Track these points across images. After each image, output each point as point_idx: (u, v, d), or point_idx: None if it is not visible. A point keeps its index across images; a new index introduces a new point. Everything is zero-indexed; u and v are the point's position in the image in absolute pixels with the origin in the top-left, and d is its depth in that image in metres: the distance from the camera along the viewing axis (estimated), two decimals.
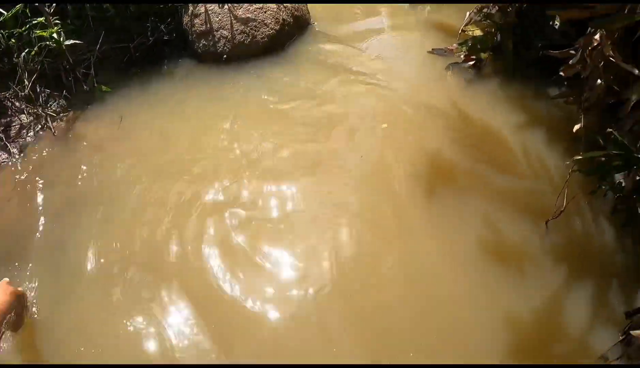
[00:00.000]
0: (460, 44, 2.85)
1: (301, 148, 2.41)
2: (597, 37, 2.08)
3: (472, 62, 2.78)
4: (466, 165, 2.33)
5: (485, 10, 2.80)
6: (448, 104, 2.59)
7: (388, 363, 1.80)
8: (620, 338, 1.83)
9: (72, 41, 2.52)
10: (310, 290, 1.93)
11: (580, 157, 1.95)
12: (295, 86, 2.71)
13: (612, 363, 1.74)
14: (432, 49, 2.89)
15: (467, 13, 2.86)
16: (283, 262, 2.02)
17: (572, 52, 2.22)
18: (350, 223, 2.12)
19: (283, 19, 2.86)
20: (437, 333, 1.83)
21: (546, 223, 2.10)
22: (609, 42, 2.04)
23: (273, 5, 2.84)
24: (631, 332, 1.76)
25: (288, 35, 2.94)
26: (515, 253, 2.04)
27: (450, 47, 2.88)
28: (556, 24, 2.57)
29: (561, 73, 2.29)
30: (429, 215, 2.14)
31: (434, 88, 2.71)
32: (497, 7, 2.73)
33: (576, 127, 2.22)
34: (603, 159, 2.04)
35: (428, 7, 3.29)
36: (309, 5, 3.18)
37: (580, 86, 2.27)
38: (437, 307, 1.88)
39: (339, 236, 2.09)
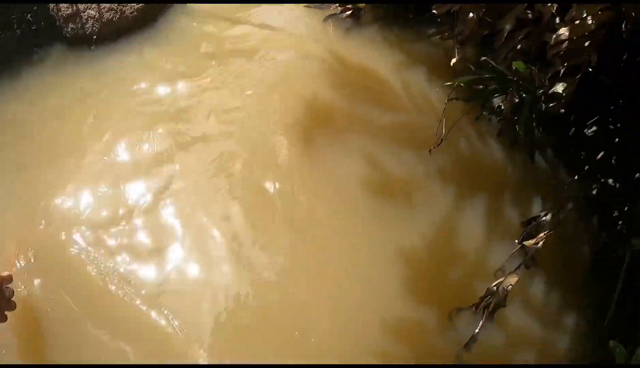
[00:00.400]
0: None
1: (177, 127, 2.38)
2: None
3: (350, 12, 2.82)
4: (344, 106, 2.38)
5: None
6: (326, 53, 2.63)
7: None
8: (518, 247, 1.98)
9: None
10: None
11: (449, 83, 2.06)
12: (167, 61, 2.66)
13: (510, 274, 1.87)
14: (309, 3, 2.92)
15: None
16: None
17: None
18: (234, 185, 2.14)
19: None
20: (335, 272, 1.91)
21: (429, 151, 2.20)
22: None
23: None
24: (524, 242, 1.90)
25: (159, 7, 2.86)
26: (402, 186, 2.13)
27: None
28: None
29: (434, 11, 2.39)
30: (310, 162, 2.18)
31: (312, 40, 2.73)
32: None
33: (453, 60, 2.33)
34: (480, 86, 2.17)
35: None
36: None
37: (454, 21, 2.39)
38: (330, 249, 1.96)
39: (226, 203, 2.11)
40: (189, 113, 2.40)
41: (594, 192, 2.18)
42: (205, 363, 1.76)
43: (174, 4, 2.93)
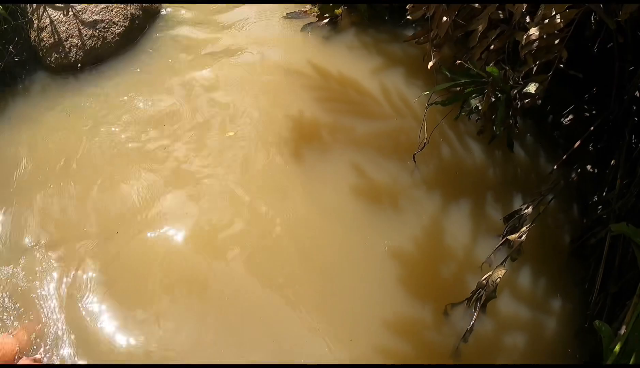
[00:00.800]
0: (313, 3, 3.00)
1: (168, 144, 2.49)
2: None
3: (327, 20, 2.94)
4: (328, 120, 2.51)
5: None
6: (306, 64, 2.75)
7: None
8: (501, 241, 2.13)
9: None
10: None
11: (427, 93, 2.17)
12: (152, 81, 2.77)
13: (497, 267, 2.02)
14: (287, 14, 3.03)
15: None
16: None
17: None
18: (228, 203, 2.26)
19: (132, 14, 2.88)
20: (333, 277, 2.07)
21: (413, 157, 2.35)
22: None
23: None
24: (508, 237, 2.06)
25: (139, 28, 2.97)
26: (388, 192, 2.28)
27: (304, 9, 3.02)
28: None
29: (408, 17, 2.51)
30: (299, 178, 2.31)
31: (292, 51, 2.86)
32: None
33: (430, 63, 2.44)
34: (458, 88, 2.30)
35: None
36: None
37: (429, 25, 2.50)
38: (327, 256, 2.11)
39: (224, 216, 2.23)
40: (174, 138, 2.51)
41: (574, 178, 2.34)
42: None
43: (155, 23, 3.03)
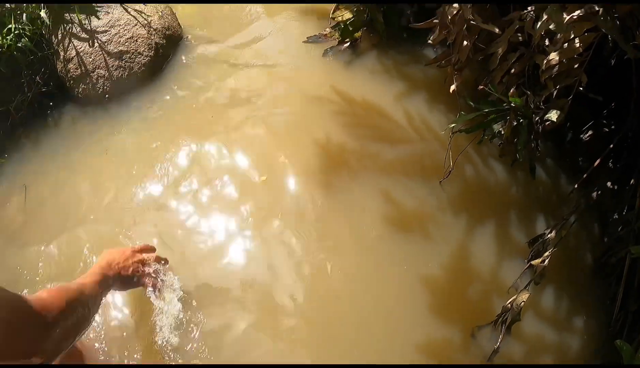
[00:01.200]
0: (333, 28, 3.09)
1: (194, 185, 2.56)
2: (455, 5, 2.36)
3: (347, 44, 3.03)
4: (355, 147, 2.61)
5: None
6: (330, 90, 2.83)
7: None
8: (526, 266, 2.24)
9: None
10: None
11: (452, 125, 2.26)
12: (175, 117, 2.85)
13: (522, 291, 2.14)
14: (307, 38, 3.11)
15: None
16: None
17: (436, 21, 2.52)
18: (261, 236, 2.36)
19: (156, 43, 2.98)
20: (365, 303, 2.18)
21: (440, 183, 2.46)
22: (468, 7, 2.31)
23: (143, 32, 2.95)
24: (531, 262, 2.17)
25: (164, 57, 3.06)
26: (417, 218, 2.39)
27: (324, 33, 3.10)
28: None
29: (430, 41, 2.60)
30: (329, 208, 2.41)
31: (315, 77, 2.94)
32: None
33: (452, 87, 2.52)
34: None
35: None
36: (177, 15, 3.28)
37: (449, 49, 2.58)
38: (359, 283, 2.22)
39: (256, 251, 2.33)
40: (204, 168, 2.60)
41: (594, 196, 2.44)
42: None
43: (178, 52, 3.15)
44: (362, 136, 2.63)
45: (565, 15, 1.95)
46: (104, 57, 2.87)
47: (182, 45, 3.18)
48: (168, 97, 2.92)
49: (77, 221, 2.46)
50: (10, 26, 2.80)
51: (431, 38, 2.57)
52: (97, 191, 2.56)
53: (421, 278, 2.21)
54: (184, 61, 3.09)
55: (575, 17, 1.92)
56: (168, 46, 3.09)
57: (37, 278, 2.27)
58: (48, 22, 2.88)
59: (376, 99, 2.78)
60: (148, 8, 3.08)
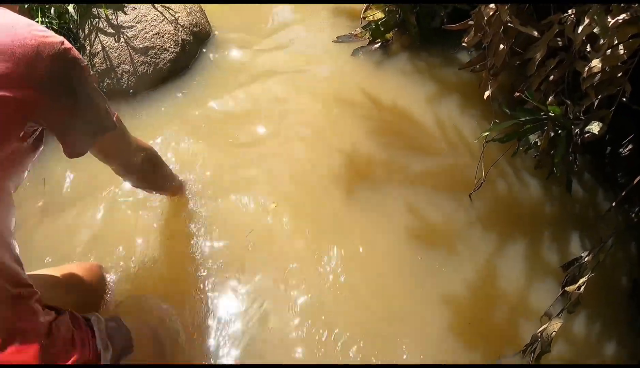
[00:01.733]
0: (364, 28, 2.99)
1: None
2: (492, 5, 2.23)
3: (378, 44, 2.93)
4: (383, 155, 2.48)
5: None
6: (359, 92, 2.73)
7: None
8: (560, 292, 2.08)
9: None
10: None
11: (486, 134, 2.13)
12: (201, 107, 2.78)
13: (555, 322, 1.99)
14: (337, 37, 3.02)
15: None
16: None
17: (471, 22, 2.39)
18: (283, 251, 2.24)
19: (182, 40, 2.93)
20: (385, 319, 2.05)
21: (469, 196, 2.31)
22: (505, 8, 2.18)
23: (170, 28, 2.90)
24: (566, 288, 2.01)
25: (190, 54, 3.00)
26: (443, 233, 2.24)
27: (355, 33, 3.01)
28: None
29: (464, 44, 2.46)
30: (352, 218, 2.30)
31: (344, 78, 2.84)
32: None
33: (486, 93, 2.39)
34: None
35: None
36: (207, 13, 3.22)
37: (483, 52, 2.45)
38: (380, 299, 2.09)
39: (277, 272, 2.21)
40: (223, 173, 2.51)
41: (633, 217, 2.27)
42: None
43: (206, 48, 3.09)
44: (390, 144, 2.51)
45: (609, 19, 1.82)
46: (130, 53, 2.82)
47: (210, 43, 3.11)
48: (192, 96, 2.84)
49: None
50: (38, 20, 2.77)
51: (465, 40, 2.45)
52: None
53: (444, 298, 2.08)
54: (211, 59, 3.02)
55: (620, 20, 1.77)
56: (195, 43, 3.03)
57: None
58: (76, 17, 2.86)
59: (406, 103, 2.66)
60: (176, 4, 3.02)
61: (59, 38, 1.22)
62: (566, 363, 1.99)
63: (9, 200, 1.25)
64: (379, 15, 2.96)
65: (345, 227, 2.27)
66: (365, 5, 3.02)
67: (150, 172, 1.97)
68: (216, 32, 3.19)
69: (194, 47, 3.03)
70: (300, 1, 3.33)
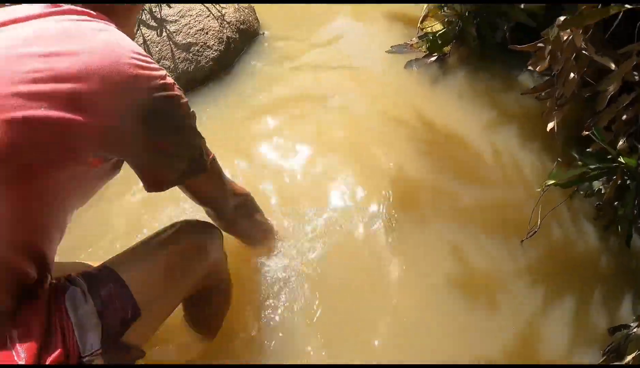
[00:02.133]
0: (420, 38, 2.80)
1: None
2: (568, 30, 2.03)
3: (434, 58, 2.74)
4: (431, 183, 2.29)
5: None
6: (411, 109, 2.55)
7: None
8: (602, 359, 1.85)
9: None
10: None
11: (551, 182, 1.92)
12: (242, 112, 2.64)
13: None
14: (391, 47, 2.84)
15: (424, 7, 2.78)
16: None
17: (541, 45, 2.17)
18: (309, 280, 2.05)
19: (227, 37, 2.79)
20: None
21: (521, 242, 2.10)
22: (580, 32, 1.99)
23: (215, 24, 2.76)
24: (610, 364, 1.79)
25: (235, 52, 2.86)
26: (487, 283, 2.03)
27: (410, 43, 2.83)
28: (521, 4, 2.50)
29: (530, 67, 2.25)
30: (387, 247, 2.09)
31: (395, 92, 2.67)
32: None
33: (550, 125, 2.19)
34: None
35: None
36: (257, 10, 3.09)
37: (551, 79, 2.24)
38: (407, 348, 1.88)
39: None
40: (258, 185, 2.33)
41: None
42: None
43: (252, 48, 2.95)
44: (439, 170, 2.31)
45: None
46: (171, 48, 2.70)
47: (258, 42, 2.98)
48: (234, 97, 2.70)
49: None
50: None
51: (531, 63, 2.24)
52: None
53: (475, 358, 1.86)
54: (257, 59, 2.88)
55: None
56: (241, 41, 2.90)
57: None
58: None
59: (460, 126, 2.46)
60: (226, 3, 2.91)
61: (162, 71, 1.11)
62: None
63: (63, 219, 1.15)
64: (437, 26, 2.77)
65: (375, 253, 2.08)
66: (423, 11, 2.83)
67: (244, 221, 1.78)
68: (264, 32, 3.05)
69: (240, 45, 2.89)
70: (357, 1, 3.16)
